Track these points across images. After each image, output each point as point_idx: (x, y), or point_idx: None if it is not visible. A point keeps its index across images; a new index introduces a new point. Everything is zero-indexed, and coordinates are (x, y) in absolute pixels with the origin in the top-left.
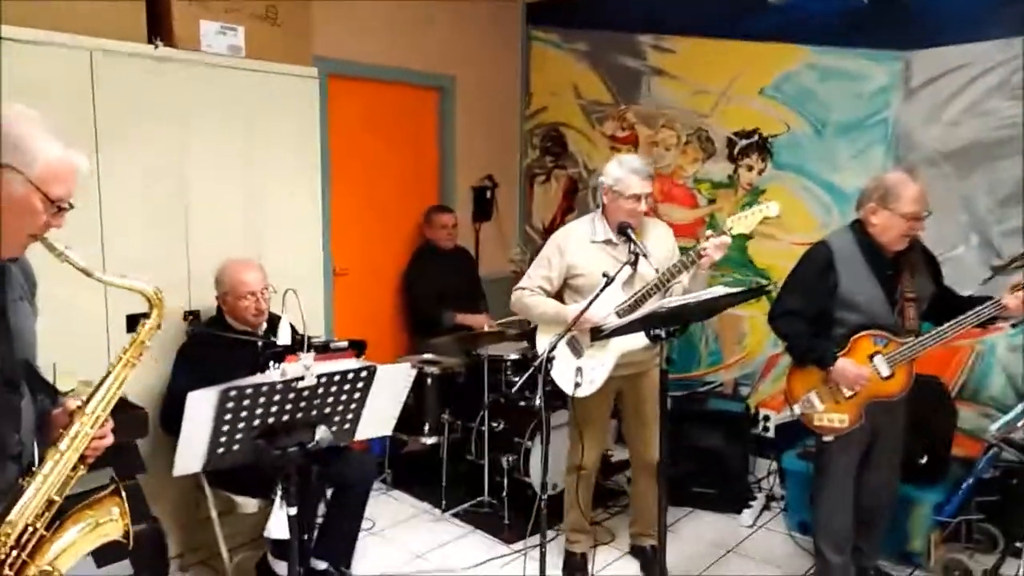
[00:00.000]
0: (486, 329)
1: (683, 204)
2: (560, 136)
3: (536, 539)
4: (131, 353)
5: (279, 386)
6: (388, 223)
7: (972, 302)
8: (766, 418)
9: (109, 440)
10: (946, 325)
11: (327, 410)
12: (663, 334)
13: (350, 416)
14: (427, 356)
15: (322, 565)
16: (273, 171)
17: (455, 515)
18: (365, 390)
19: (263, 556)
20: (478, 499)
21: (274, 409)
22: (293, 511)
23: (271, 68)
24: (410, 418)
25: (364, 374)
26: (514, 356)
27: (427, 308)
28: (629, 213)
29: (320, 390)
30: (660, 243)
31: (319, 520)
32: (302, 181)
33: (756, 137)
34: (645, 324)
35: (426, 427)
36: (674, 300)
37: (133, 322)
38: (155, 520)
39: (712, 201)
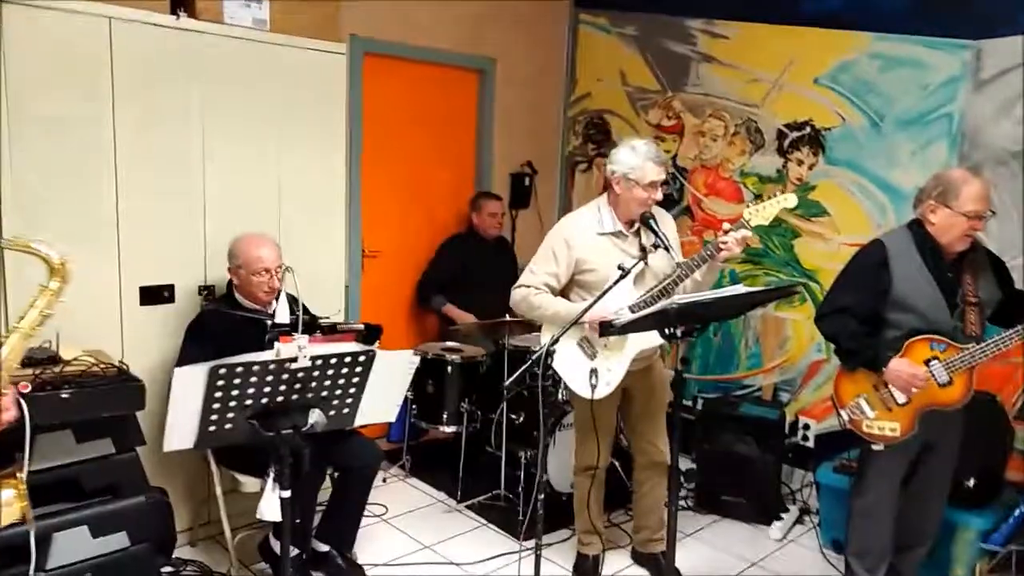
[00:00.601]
0: (465, 324)
1: (728, 199)
2: (604, 123)
3: (549, 537)
4: (28, 323)
5: (271, 366)
6: (423, 206)
7: None
8: (806, 427)
9: (10, 415)
10: (1013, 330)
11: (324, 393)
12: (679, 333)
13: (349, 400)
14: (451, 344)
15: (324, 548)
16: (296, 148)
17: (470, 507)
18: (364, 375)
19: (266, 536)
20: (494, 492)
21: (267, 389)
22: (286, 494)
23: (297, 43)
24: (430, 406)
25: (363, 358)
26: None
27: (424, 284)
28: (643, 202)
29: (316, 372)
30: (670, 235)
31: (324, 503)
32: (327, 160)
33: (808, 129)
34: (659, 321)
35: (445, 416)
36: (689, 297)
37: (147, 295)
38: (160, 492)
39: (758, 196)
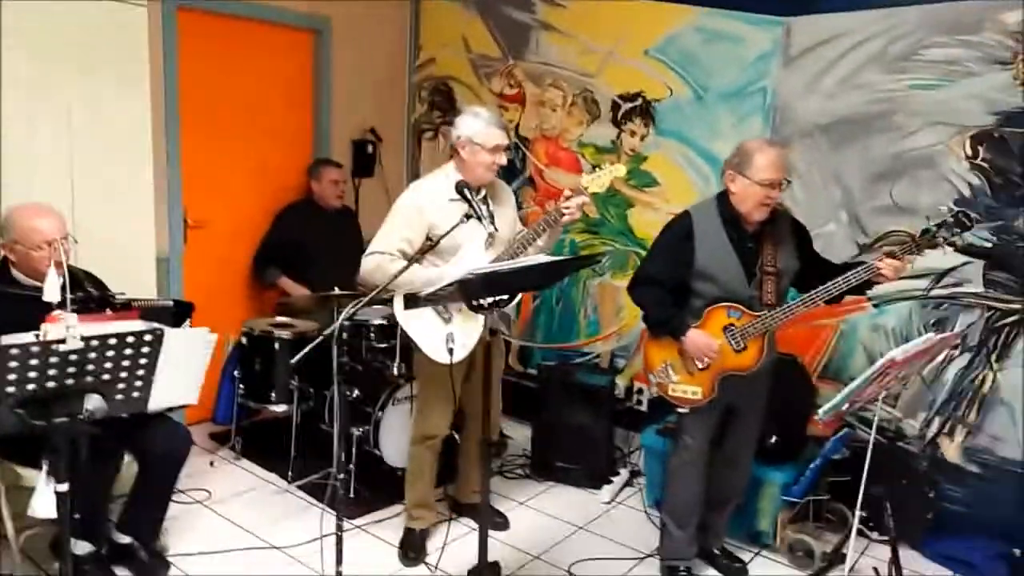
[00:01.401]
0: (298, 297)
1: (568, 169)
2: (449, 91)
3: (382, 513)
4: None
5: (35, 349)
6: (256, 175)
7: (845, 270)
8: (639, 391)
9: None
10: (800, 298)
11: (106, 376)
12: (487, 303)
13: (138, 383)
14: (281, 319)
15: (126, 539)
16: (90, 109)
17: (301, 487)
18: (153, 355)
19: (57, 534)
20: (326, 471)
21: (33, 375)
22: (63, 488)
23: None
24: (258, 385)
25: (148, 338)
26: (378, 321)
27: (259, 256)
28: (489, 167)
29: (93, 355)
30: (508, 202)
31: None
32: (127, 122)
33: (639, 101)
34: (465, 292)
35: (273, 395)
36: (487, 267)
37: None
38: None
39: (596, 167)
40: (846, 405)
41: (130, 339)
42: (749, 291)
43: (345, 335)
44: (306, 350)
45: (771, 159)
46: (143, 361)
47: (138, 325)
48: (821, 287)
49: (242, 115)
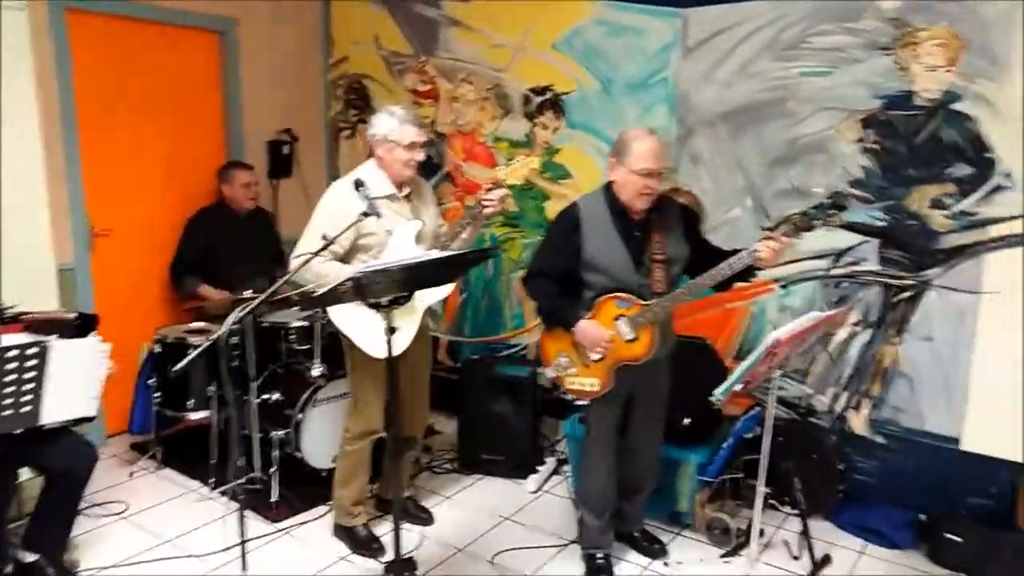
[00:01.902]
0: (214, 303)
1: (485, 163)
2: (363, 88)
3: (307, 515)
4: None
5: None
6: (166, 179)
7: (732, 256)
8: None
9: None
10: (686, 284)
11: None
12: (385, 301)
13: (26, 398)
14: (196, 325)
15: (31, 557)
16: None
17: (224, 493)
18: (39, 368)
19: None
20: (249, 476)
21: None
22: None
23: None
24: (174, 392)
25: (32, 351)
26: (297, 324)
27: (175, 265)
28: (407, 163)
29: None
30: (430, 198)
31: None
32: (12, 128)
33: (549, 94)
34: (357, 291)
35: (191, 402)
36: (376, 264)
37: None
38: None
39: (510, 161)
40: (740, 385)
41: (11, 353)
42: (639, 280)
43: (237, 339)
44: (188, 359)
45: (648, 148)
46: (29, 375)
47: (20, 339)
48: (706, 273)
49: (147, 119)
